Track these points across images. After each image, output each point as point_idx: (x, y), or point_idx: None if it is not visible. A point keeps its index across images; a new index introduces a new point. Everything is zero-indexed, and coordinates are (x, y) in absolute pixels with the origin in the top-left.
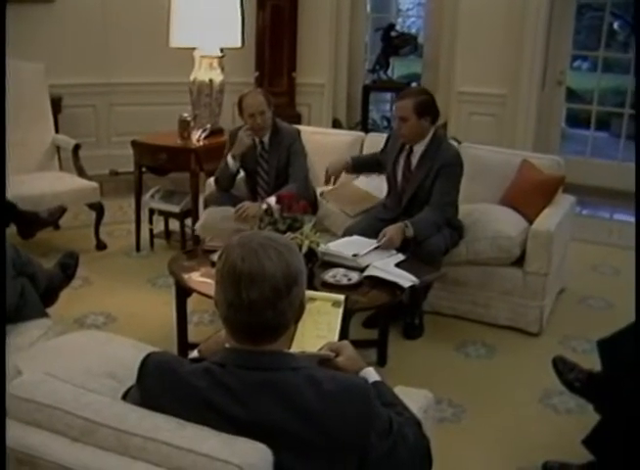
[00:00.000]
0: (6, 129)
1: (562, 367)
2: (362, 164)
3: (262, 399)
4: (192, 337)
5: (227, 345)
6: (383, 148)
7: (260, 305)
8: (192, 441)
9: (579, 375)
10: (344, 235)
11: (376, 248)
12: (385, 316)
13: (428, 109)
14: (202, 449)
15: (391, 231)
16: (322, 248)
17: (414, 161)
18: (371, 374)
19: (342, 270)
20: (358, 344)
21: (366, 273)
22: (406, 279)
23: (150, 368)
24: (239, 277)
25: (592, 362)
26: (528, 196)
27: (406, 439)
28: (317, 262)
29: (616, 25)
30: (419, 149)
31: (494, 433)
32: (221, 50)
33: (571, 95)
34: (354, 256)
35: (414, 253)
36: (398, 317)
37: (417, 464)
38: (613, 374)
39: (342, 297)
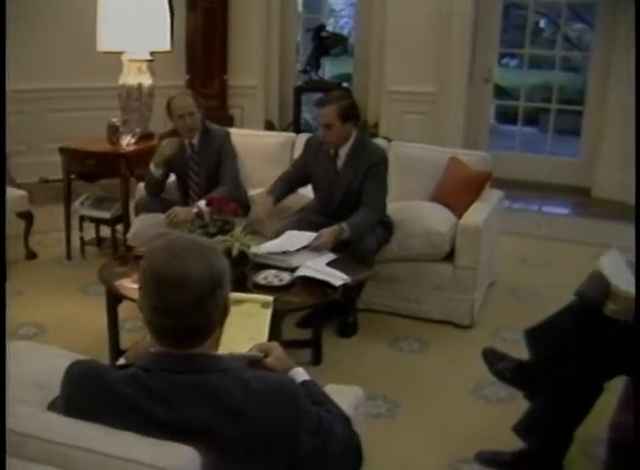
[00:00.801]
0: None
1: (492, 358)
2: (284, 194)
3: (190, 402)
4: (125, 344)
5: (152, 349)
6: (302, 153)
7: (185, 309)
8: (118, 447)
9: (509, 364)
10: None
11: (305, 247)
12: (318, 316)
13: (351, 112)
14: (128, 455)
15: (326, 234)
16: (254, 249)
17: (340, 163)
18: (300, 374)
19: (273, 271)
20: (293, 344)
21: (298, 273)
22: (338, 278)
23: (74, 377)
24: (162, 281)
25: (523, 352)
26: (457, 192)
27: (336, 435)
28: (248, 264)
29: (542, 23)
30: (344, 152)
31: (429, 426)
32: (151, 53)
33: (501, 92)
34: (284, 253)
35: (348, 253)
36: (333, 316)
37: (348, 460)
38: (540, 362)
39: (270, 298)
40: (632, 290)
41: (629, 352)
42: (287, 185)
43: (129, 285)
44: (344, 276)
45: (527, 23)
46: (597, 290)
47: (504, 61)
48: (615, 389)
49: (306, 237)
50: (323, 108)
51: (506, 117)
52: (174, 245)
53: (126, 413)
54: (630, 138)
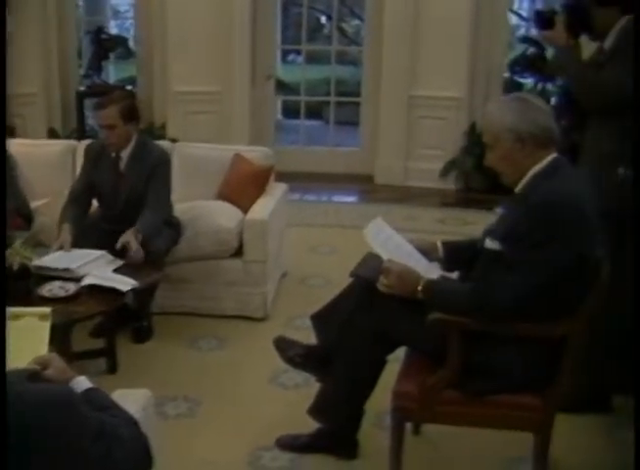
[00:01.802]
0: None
1: (283, 346)
2: (79, 219)
3: None
4: None
5: None
6: (84, 163)
7: None
8: None
9: (299, 350)
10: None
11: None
12: (111, 323)
13: (133, 113)
14: None
15: (126, 236)
16: (36, 262)
17: (122, 166)
18: (82, 383)
19: (58, 283)
20: (87, 354)
21: (84, 282)
22: (125, 283)
23: None
24: None
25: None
26: (242, 188)
27: (121, 439)
28: (32, 278)
29: (323, 20)
30: (126, 154)
31: (231, 420)
32: None
33: (286, 88)
34: (65, 269)
35: None
36: (126, 322)
37: (136, 462)
38: (326, 343)
39: (47, 310)
40: (401, 261)
41: (407, 324)
42: (77, 207)
43: None
44: (132, 281)
45: (303, 20)
46: (370, 269)
47: (290, 57)
48: (397, 360)
49: (86, 255)
50: (104, 109)
51: (292, 112)
52: None
53: None
54: (403, 126)
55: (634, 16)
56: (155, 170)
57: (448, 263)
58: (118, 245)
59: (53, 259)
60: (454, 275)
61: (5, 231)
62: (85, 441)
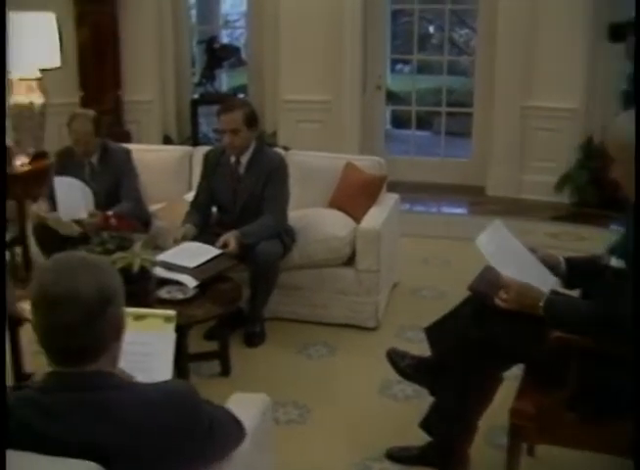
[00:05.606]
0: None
1: (395, 357)
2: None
3: (85, 419)
4: (30, 367)
5: (48, 369)
6: (203, 170)
7: (75, 328)
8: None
9: (411, 362)
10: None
11: (217, 256)
12: (224, 326)
13: (255, 119)
14: None
15: (227, 236)
16: (160, 256)
17: (241, 171)
18: None
19: (176, 286)
20: (200, 356)
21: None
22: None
23: None
24: (52, 301)
25: (428, 350)
26: (354, 197)
27: (220, 421)
28: (151, 280)
29: (431, 29)
30: (245, 159)
31: (339, 428)
32: (40, 71)
33: (395, 97)
34: (182, 267)
35: (250, 259)
36: (239, 326)
37: (234, 437)
38: (440, 356)
39: (173, 312)
40: (516, 273)
41: (523, 340)
42: (199, 213)
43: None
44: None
45: (414, 30)
46: (488, 283)
47: (398, 67)
48: (516, 378)
49: (205, 250)
50: (230, 113)
51: (401, 121)
52: (63, 263)
53: (26, 435)
54: (516, 137)
55: (635, 17)
56: (272, 175)
57: (570, 280)
58: (219, 244)
59: (172, 255)
60: (575, 293)
61: (5, 230)
62: (198, 436)
